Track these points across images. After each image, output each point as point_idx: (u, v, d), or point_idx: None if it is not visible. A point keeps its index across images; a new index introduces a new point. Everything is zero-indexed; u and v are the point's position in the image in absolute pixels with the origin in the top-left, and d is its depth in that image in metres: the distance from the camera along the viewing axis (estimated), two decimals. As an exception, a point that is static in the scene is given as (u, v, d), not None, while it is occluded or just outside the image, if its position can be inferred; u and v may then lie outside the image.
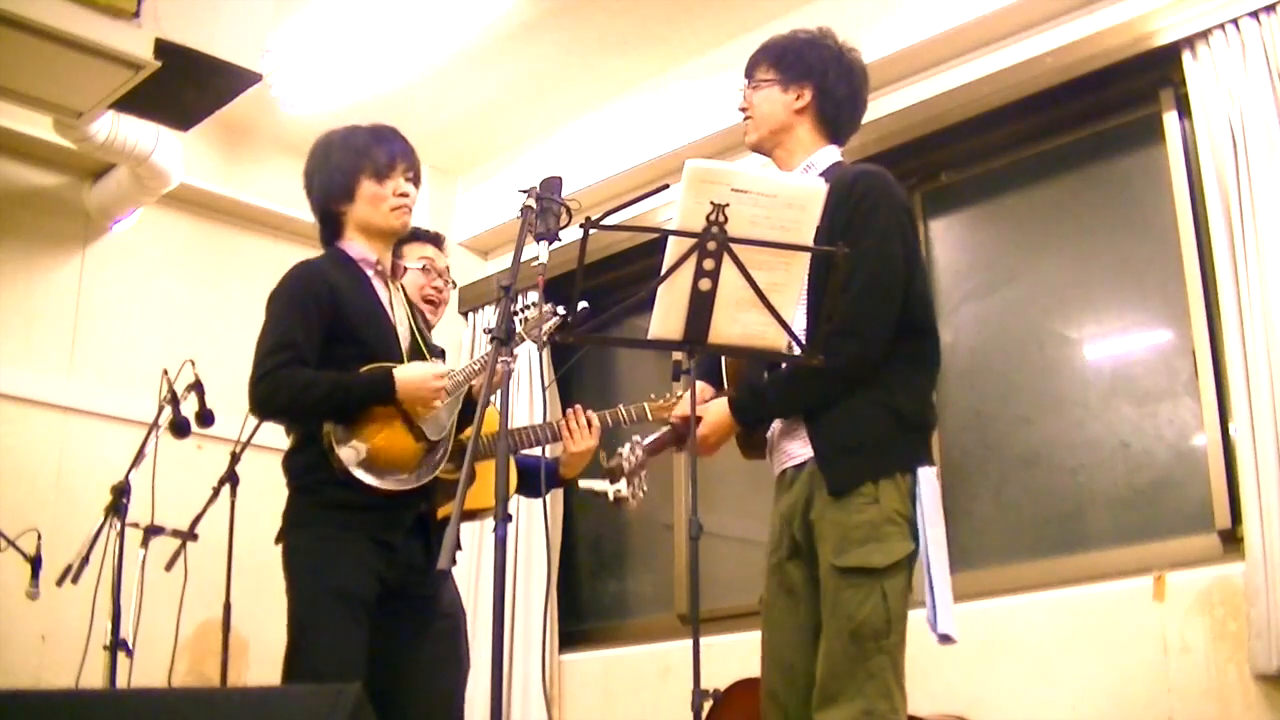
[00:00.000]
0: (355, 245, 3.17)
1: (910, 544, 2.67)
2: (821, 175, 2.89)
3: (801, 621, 2.76)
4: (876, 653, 2.61)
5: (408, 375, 3.00)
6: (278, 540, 3.04)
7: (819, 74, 2.94)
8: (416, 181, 3.21)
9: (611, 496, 3.07)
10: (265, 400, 2.99)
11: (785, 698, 2.76)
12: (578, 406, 3.51)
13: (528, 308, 3.10)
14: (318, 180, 3.18)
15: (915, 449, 2.76)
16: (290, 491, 3.07)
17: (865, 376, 2.74)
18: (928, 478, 2.72)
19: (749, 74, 3.03)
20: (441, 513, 3.37)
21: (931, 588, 2.67)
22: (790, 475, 2.84)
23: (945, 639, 2.68)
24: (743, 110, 3.02)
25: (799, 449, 2.82)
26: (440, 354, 3.45)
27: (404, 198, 3.16)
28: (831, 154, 2.96)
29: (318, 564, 2.94)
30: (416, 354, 3.16)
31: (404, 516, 3.04)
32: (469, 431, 3.69)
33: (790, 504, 2.81)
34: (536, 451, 3.60)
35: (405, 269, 3.65)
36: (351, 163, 3.13)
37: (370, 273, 3.16)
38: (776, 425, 2.90)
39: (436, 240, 3.87)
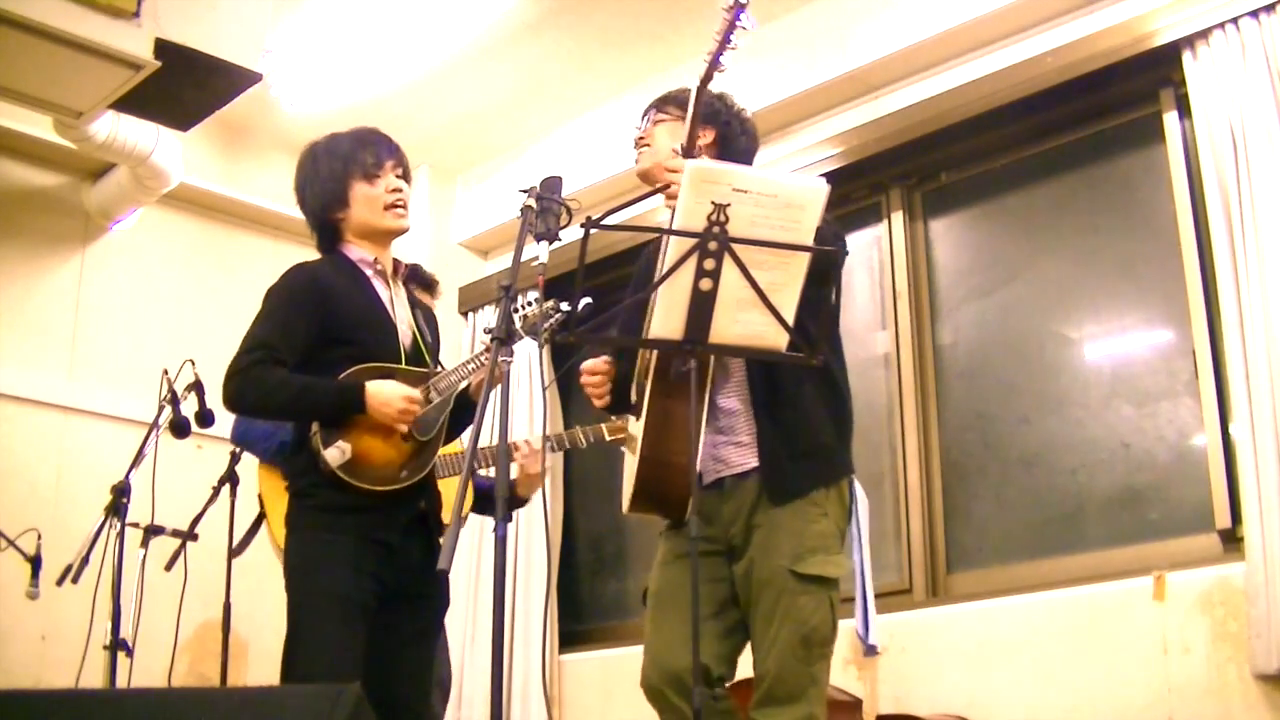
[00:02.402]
0: (354, 249, 3.17)
1: (849, 560, 2.83)
2: None
3: (706, 613, 2.72)
4: (820, 659, 2.73)
5: (377, 393, 2.98)
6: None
7: (723, 121, 3.03)
8: (407, 178, 3.21)
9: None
10: (234, 397, 3.04)
11: (678, 691, 2.73)
12: (527, 438, 3.79)
13: (529, 304, 3.11)
14: (309, 192, 3.15)
15: (849, 455, 2.90)
16: (288, 496, 3.09)
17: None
18: (859, 487, 2.87)
19: (652, 109, 3.08)
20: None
21: (865, 600, 2.76)
22: (730, 484, 2.85)
23: (872, 650, 2.78)
24: (640, 140, 3.08)
25: (739, 457, 2.84)
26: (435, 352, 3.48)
27: (398, 193, 3.15)
28: None
29: (310, 567, 2.95)
30: (416, 354, 3.15)
31: (399, 515, 3.04)
32: (456, 445, 3.74)
33: (733, 511, 2.82)
34: (492, 471, 3.81)
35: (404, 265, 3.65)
36: (339, 169, 3.11)
37: (370, 273, 3.15)
38: (707, 428, 2.86)
39: (430, 286, 3.99)
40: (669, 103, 3.09)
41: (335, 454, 2.95)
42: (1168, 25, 4.01)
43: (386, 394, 2.99)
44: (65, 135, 4.76)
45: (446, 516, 3.42)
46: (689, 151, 2.78)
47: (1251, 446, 3.59)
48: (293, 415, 3.08)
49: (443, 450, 3.29)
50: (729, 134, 3.03)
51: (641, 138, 3.09)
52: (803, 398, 2.82)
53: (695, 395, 2.67)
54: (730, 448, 2.85)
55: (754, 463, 2.82)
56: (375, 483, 2.97)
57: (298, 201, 3.21)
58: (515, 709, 5.15)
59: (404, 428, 3.02)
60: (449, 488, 3.53)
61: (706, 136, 3.00)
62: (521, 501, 3.81)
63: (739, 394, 2.86)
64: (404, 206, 3.16)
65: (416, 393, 3.03)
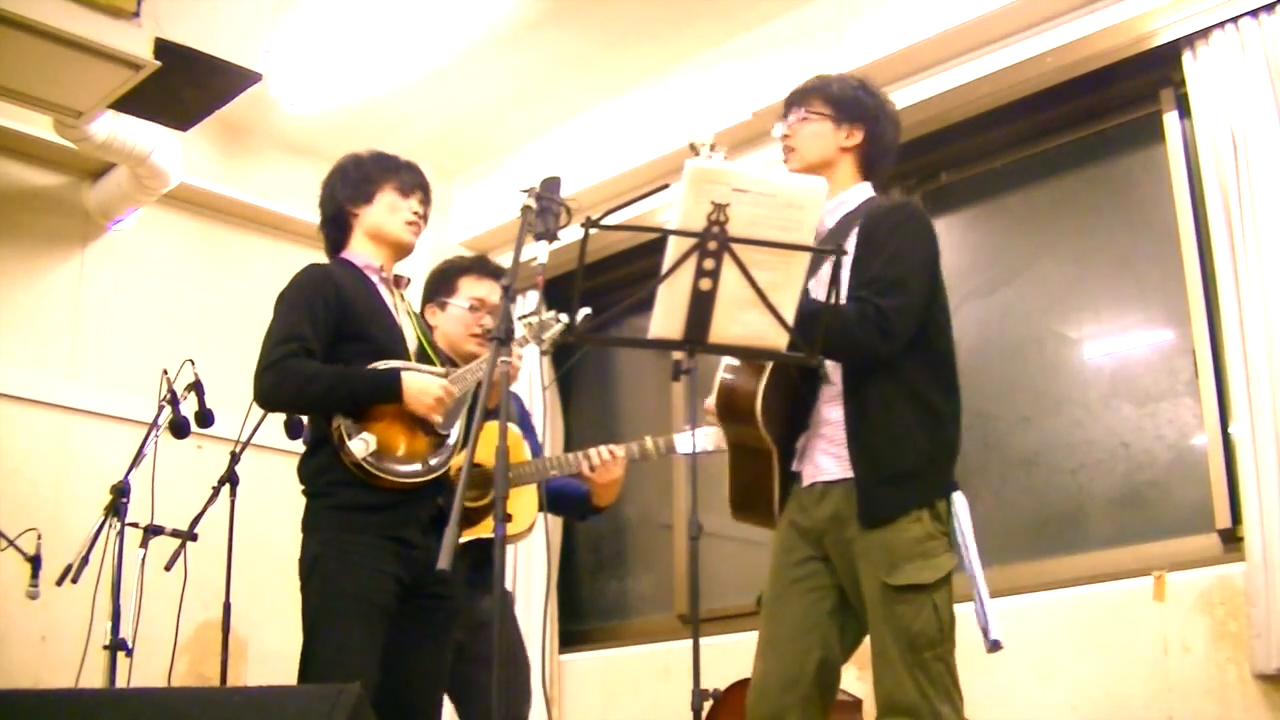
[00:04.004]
0: (360, 254, 3.23)
1: (953, 557, 2.78)
2: (857, 208, 2.93)
3: (829, 608, 2.81)
4: (934, 661, 2.71)
5: (414, 382, 3.03)
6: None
7: (871, 118, 2.99)
8: (425, 218, 3.30)
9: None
10: (270, 390, 3.02)
11: (782, 694, 2.78)
12: (601, 447, 3.64)
13: (534, 313, 3.15)
14: (341, 183, 3.25)
15: (950, 473, 2.84)
16: (305, 498, 3.09)
17: (895, 349, 2.76)
18: (961, 500, 2.82)
19: (796, 105, 3.02)
20: (470, 534, 3.47)
21: (982, 600, 2.78)
22: (821, 489, 2.85)
23: (996, 645, 2.78)
24: (785, 139, 3.02)
25: (834, 467, 2.84)
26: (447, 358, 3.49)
27: (417, 216, 3.26)
28: (866, 190, 3.00)
29: (331, 569, 2.94)
30: (423, 356, 3.18)
31: (419, 512, 3.05)
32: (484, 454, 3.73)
33: (822, 519, 2.83)
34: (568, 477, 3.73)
35: (448, 304, 3.72)
36: (380, 174, 3.24)
37: (375, 279, 3.20)
38: (811, 433, 2.89)
39: (498, 274, 3.78)
40: (809, 98, 3.00)
41: (360, 445, 2.96)
42: (1168, 25, 4.01)
43: (424, 383, 3.04)
44: (65, 135, 4.75)
45: (521, 524, 3.49)
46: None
47: (1251, 446, 3.59)
48: (329, 406, 3.01)
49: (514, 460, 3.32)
50: (876, 130, 2.99)
51: (786, 136, 3.01)
52: (893, 418, 2.79)
53: (693, 402, 2.68)
54: (827, 456, 2.85)
55: (843, 474, 2.81)
56: (401, 475, 2.98)
57: (324, 196, 3.28)
58: (515, 709, 5.14)
59: (438, 418, 3.04)
60: (520, 496, 3.56)
61: (855, 137, 2.97)
62: (597, 510, 3.73)
63: (839, 404, 2.84)
64: (418, 229, 3.27)
65: (449, 384, 3.06)
